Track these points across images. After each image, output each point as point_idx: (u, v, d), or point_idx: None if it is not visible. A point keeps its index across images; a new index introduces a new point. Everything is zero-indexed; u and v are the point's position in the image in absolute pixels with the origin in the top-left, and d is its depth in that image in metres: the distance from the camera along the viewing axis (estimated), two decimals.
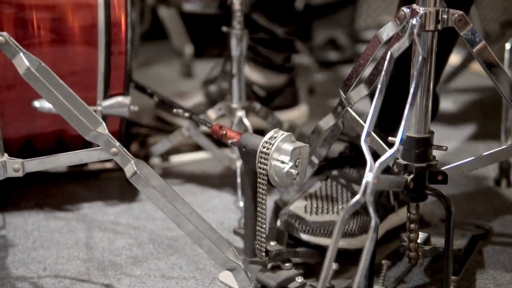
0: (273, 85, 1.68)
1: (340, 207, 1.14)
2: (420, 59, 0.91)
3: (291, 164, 1.00)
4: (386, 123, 1.13)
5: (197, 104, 1.63)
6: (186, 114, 1.34)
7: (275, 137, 1.02)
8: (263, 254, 1.06)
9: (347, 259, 1.09)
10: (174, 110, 1.37)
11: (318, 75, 2.16)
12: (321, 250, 1.11)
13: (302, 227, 1.11)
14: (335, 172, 1.21)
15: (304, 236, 1.11)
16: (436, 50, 0.95)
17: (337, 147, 1.26)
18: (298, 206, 1.15)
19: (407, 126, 0.91)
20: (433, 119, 1.26)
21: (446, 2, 0.92)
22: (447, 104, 1.91)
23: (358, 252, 1.09)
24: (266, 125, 1.50)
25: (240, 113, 1.39)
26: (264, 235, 1.05)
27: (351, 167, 1.20)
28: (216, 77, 1.68)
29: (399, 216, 1.21)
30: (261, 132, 1.09)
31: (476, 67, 2.12)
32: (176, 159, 1.57)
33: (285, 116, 1.64)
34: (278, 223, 1.15)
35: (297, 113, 1.72)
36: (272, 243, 1.08)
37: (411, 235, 1.02)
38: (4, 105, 1.22)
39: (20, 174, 0.98)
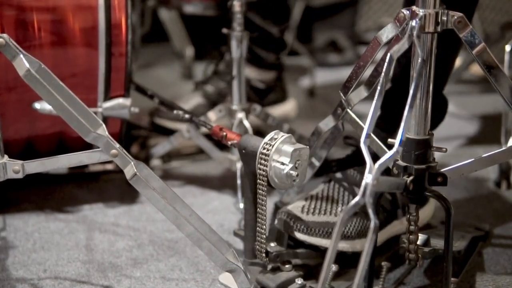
0: (265, 81, 1.71)
1: (339, 209, 1.14)
2: (419, 60, 0.91)
3: (291, 165, 1.00)
4: (388, 124, 1.13)
5: (196, 105, 1.63)
6: (187, 116, 1.33)
7: (275, 138, 1.02)
8: (263, 255, 1.06)
9: (345, 262, 1.09)
10: (175, 112, 1.36)
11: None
12: (317, 251, 1.11)
13: (298, 226, 1.11)
14: (339, 175, 1.21)
15: (299, 235, 1.11)
16: (441, 52, 0.95)
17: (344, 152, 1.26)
18: (296, 206, 1.15)
19: (407, 128, 0.91)
20: (441, 121, 1.27)
21: (449, 4, 0.92)
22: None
23: (354, 255, 1.09)
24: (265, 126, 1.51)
25: (240, 115, 1.39)
26: (264, 236, 1.06)
27: (355, 170, 1.20)
28: (209, 77, 1.68)
29: (403, 224, 1.20)
30: (261, 133, 1.09)
31: (476, 69, 2.12)
32: (176, 160, 1.57)
33: (279, 110, 1.68)
34: (276, 221, 1.15)
35: (289, 107, 1.76)
36: (272, 244, 1.08)
37: (410, 236, 1.02)
38: (4, 106, 1.22)
39: (20, 175, 0.98)
